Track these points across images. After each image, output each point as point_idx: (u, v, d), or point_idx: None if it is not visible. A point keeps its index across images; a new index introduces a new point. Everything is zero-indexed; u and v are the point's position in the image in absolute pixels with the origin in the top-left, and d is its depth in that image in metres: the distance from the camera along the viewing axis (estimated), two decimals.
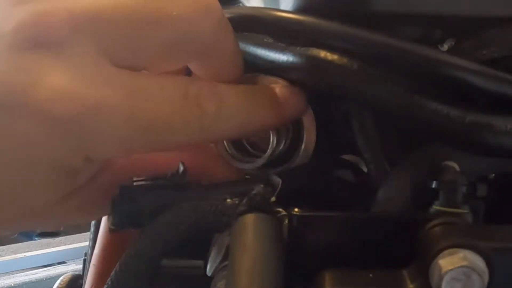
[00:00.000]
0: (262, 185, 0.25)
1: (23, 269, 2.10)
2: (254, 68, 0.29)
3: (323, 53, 0.26)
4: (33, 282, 1.95)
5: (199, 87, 0.25)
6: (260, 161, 0.29)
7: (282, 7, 0.29)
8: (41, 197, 0.23)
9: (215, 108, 0.25)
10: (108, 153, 0.24)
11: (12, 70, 0.21)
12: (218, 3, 0.25)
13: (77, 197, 0.25)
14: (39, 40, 0.21)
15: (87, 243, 0.46)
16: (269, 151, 0.29)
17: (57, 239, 2.30)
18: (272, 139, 0.29)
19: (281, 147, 0.31)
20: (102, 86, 0.22)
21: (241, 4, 0.36)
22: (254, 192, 0.24)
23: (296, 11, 0.28)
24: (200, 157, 0.29)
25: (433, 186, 0.25)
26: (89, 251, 0.44)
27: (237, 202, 0.24)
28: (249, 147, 0.33)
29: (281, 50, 0.27)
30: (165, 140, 0.24)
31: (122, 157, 0.27)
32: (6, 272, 2.07)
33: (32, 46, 0.21)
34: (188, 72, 0.29)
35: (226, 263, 0.23)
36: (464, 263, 0.20)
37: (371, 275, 0.22)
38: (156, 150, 0.26)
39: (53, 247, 2.26)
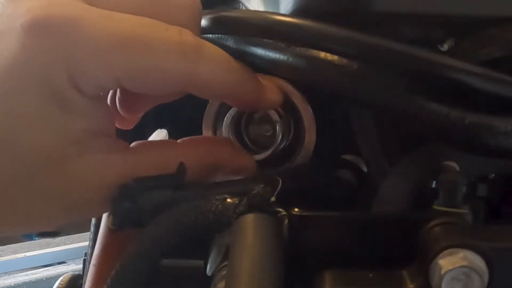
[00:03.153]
0: (262, 185, 0.25)
1: (23, 269, 2.10)
2: (254, 68, 0.29)
3: (323, 54, 0.26)
4: (33, 282, 1.95)
5: (182, 28, 0.25)
6: (265, 153, 0.29)
7: (282, 8, 0.29)
8: (41, 135, 0.23)
9: (198, 42, 0.25)
10: (91, 73, 0.23)
11: (2, 5, 0.24)
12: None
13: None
14: None
15: (87, 243, 0.46)
16: (276, 141, 0.29)
17: (57, 239, 2.30)
18: (278, 129, 0.30)
19: (282, 144, 0.32)
20: (78, 7, 0.23)
21: (241, 6, 0.36)
22: (254, 192, 0.24)
23: (296, 12, 0.28)
24: (208, 151, 0.28)
25: (433, 186, 0.25)
26: (89, 251, 0.44)
27: (237, 202, 0.24)
28: (249, 143, 0.33)
29: (281, 50, 0.27)
30: (146, 60, 0.24)
31: (110, 87, 0.26)
32: (6, 272, 2.07)
33: None
34: None
35: (226, 263, 0.23)
36: (464, 263, 0.20)
37: (371, 275, 0.22)
38: (141, 79, 0.25)
39: (53, 247, 2.26)
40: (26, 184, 0.24)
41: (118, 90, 0.30)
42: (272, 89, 0.29)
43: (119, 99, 0.30)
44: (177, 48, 0.24)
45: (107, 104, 0.29)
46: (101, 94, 0.26)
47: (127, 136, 0.30)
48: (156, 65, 0.24)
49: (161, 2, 0.26)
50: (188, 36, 0.25)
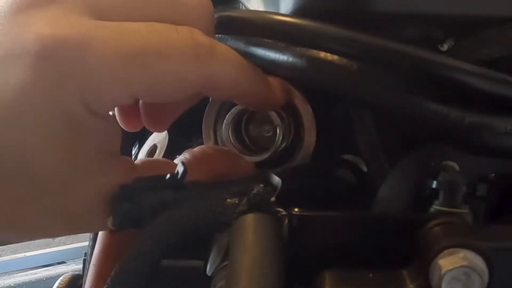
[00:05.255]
0: (262, 185, 0.25)
1: (23, 269, 2.10)
2: None
3: (323, 54, 0.26)
4: (33, 282, 1.95)
5: (192, 28, 0.25)
6: (265, 155, 0.29)
7: (282, 8, 0.29)
8: (51, 159, 0.23)
9: (210, 42, 0.25)
10: (107, 93, 0.23)
11: (6, 28, 0.23)
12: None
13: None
14: (32, 1, 0.23)
15: (87, 243, 0.46)
16: (276, 143, 0.29)
17: (57, 239, 2.30)
18: (279, 132, 0.30)
19: (282, 146, 0.32)
20: (86, 26, 0.23)
21: (241, 6, 0.36)
22: (254, 192, 0.24)
23: (296, 12, 0.28)
24: (219, 165, 0.29)
25: (433, 186, 0.25)
26: (89, 251, 0.44)
27: (237, 202, 0.24)
28: (249, 142, 0.33)
29: (281, 50, 0.27)
30: (160, 69, 0.23)
31: (126, 102, 0.25)
32: (6, 272, 2.07)
33: (26, 6, 0.23)
34: None
35: (226, 263, 0.23)
36: (464, 263, 0.20)
37: (371, 275, 0.22)
38: (158, 91, 0.24)
39: (53, 247, 2.26)
40: (34, 203, 0.24)
41: (140, 105, 0.29)
42: (278, 88, 0.29)
43: (143, 113, 0.29)
44: (190, 50, 0.24)
45: (115, 119, 0.29)
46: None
47: (128, 134, 0.30)
48: (170, 71, 0.24)
49: (170, 3, 0.26)
50: (199, 36, 0.25)
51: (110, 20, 0.23)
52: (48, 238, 0.27)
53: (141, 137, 0.44)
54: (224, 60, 0.25)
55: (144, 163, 0.27)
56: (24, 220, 0.24)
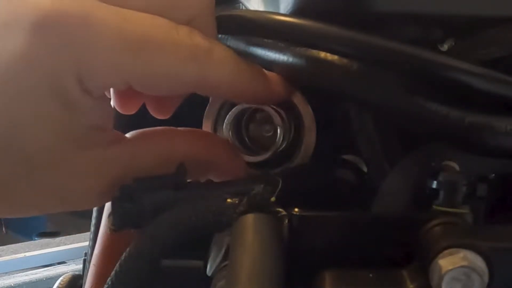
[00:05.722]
0: (262, 185, 0.25)
1: (23, 269, 2.10)
2: None
3: (323, 54, 0.26)
4: (33, 282, 1.94)
5: (192, 29, 0.25)
6: (265, 154, 0.29)
7: (282, 8, 0.29)
8: (42, 133, 0.23)
9: (208, 45, 0.25)
10: (101, 74, 0.23)
11: None
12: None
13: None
14: None
15: (87, 243, 0.46)
16: (276, 144, 0.29)
17: (57, 239, 2.30)
18: (280, 132, 0.30)
19: (283, 146, 0.32)
20: (90, 4, 0.23)
21: (241, 6, 0.36)
22: (254, 192, 0.24)
23: (296, 12, 0.28)
24: (207, 147, 0.28)
25: (433, 186, 0.25)
26: (89, 251, 0.44)
27: (237, 202, 0.24)
28: (249, 142, 0.33)
29: (281, 50, 0.27)
30: (157, 63, 0.24)
31: (118, 87, 0.25)
32: (6, 272, 2.07)
33: None
34: None
35: (226, 263, 0.23)
36: (464, 263, 0.20)
37: (371, 275, 0.22)
38: (151, 82, 0.25)
39: (53, 247, 2.26)
40: (26, 178, 0.24)
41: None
42: (278, 83, 0.29)
43: (117, 97, 0.30)
44: (188, 52, 0.24)
45: (108, 100, 0.29)
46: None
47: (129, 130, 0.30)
48: (166, 69, 0.24)
49: None
50: (198, 38, 0.25)
51: (111, 4, 0.23)
52: (40, 214, 0.27)
53: None
54: (221, 63, 0.26)
55: (135, 134, 0.27)
56: (16, 195, 0.24)
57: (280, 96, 0.29)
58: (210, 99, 0.33)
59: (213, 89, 0.26)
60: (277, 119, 0.31)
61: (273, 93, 0.29)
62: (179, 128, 0.29)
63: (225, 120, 0.32)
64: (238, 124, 0.33)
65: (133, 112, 0.30)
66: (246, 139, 0.33)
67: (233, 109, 0.32)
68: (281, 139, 0.31)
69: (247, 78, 0.27)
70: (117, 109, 0.30)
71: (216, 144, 0.29)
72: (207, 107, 0.33)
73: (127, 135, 0.27)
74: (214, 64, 0.25)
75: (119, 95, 0.29)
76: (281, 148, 0.32)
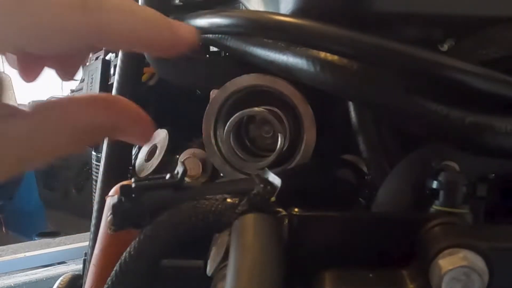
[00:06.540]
0: (262, 185, 0.25)
1: (23, 269, 2.10)
2: (254, 68, 0.29)
3: (323, 54, 0.26)
4: (33, 282, 1.94)
5: None
6: (269, 159, 0.29)
7: (282, 8, 0.29)
8: None
9: None
10: None
11: None
12: None
13: None
14: None
15: (87, 243, 0.46)
16: (278, 150, 0.29)
17: (57, 239, 2.30)
18: (281, 138, 0.30)
19: (283, 147, 0.32)
20: None
21: (241, 6, 0.36)
22: (254, 192, 0.24)
23: (296, 12, 0.28)
24: (107, 112, 0.27)
25: (433, 186, 0.25)
26: (89, 251, 0.44)
27: (237, 202, 0.24)
28: (249, 144, 0.33)
29: (281, 50, 0.27)
30: (44, 17, 0.23)
31: (10, 51, 0.24)
32: (6, 272, 2.07)
33: None
34: None
35: (226, 263, 0.23)
36: (464, 263, 0.20)
37: (371, 275, 0.22)
38: (45, 40, 0.23)
39: (53, 247, 2.26)
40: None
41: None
42: (184, 27, 0.27)
43: (18, 65, 0.29)
44: (76, 1, 0.23)
45: None
46: None
47: None
48: (55, 21, 0.23)
49: None
50: None
51: None
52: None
53: None
54: (115, 9, 0.24)
55: (36, 107, 0.25)
56: None
57: (189, 43, 0.27)
58: (210, 100, 0.33)
59: (113, 38, 0.25)
60: (277, 125, 0.31)
61: (179, 39, 0.27)
62: (77, 96, 0.28)
63: (226, 128, 0.32)
64: (238, 128, 0.33)
65: (36, 80, 0.29)
66: (247, 141, 0.33)
67: (233, 117, 0.32)
68: (282, 144, 0.31)
69: (146, 21, 0.26)
70: (22, 79, 0.29)
71: (119, 108, 0.28)
72: (206, 108, 0.33)
73: (29, 107, 0.26)
74: (107, 10, 0.24)
75: (20, 62, 0.28)
76: (284, 148, 0.32)
